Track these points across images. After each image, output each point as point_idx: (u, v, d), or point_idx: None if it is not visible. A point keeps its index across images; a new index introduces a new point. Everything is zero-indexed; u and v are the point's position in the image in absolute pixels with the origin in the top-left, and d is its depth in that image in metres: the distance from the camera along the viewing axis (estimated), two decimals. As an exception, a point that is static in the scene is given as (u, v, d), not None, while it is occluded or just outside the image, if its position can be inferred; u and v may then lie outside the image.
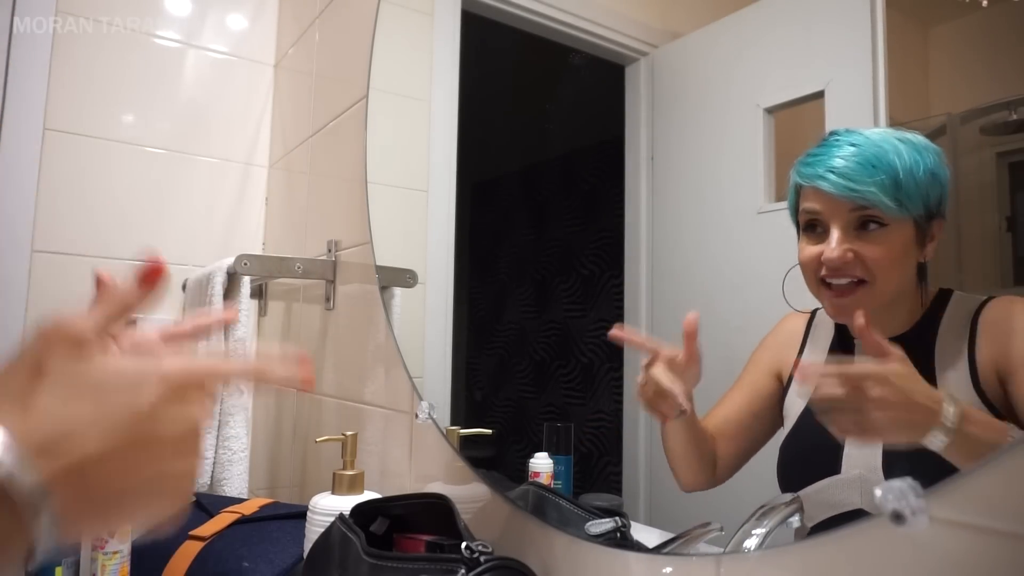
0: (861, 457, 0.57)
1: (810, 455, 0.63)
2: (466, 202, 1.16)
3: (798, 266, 0.62)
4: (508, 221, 1.15)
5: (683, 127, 0.81)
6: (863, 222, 0.56)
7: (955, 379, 0.53)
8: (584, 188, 0.99)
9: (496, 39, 1.12)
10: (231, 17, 1.79)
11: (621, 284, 0.85)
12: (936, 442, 0.48)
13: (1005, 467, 0.44)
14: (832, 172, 0.56)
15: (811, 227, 0.59)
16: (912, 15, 0.59)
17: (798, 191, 0.61)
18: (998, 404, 0.51)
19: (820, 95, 0.64)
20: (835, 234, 0.56)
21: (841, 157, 0.56)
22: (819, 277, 0.58)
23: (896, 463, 0.51)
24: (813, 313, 0.67)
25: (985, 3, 0.53)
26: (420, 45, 1.25)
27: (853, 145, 0.56)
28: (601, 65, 0.91)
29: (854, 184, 0.55)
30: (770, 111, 0.70)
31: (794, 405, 0.65)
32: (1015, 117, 0.50)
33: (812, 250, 0.59)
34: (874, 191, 0.55)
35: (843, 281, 0.57)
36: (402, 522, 0.83)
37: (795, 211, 0.62)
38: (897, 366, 0.52)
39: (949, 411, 0.49)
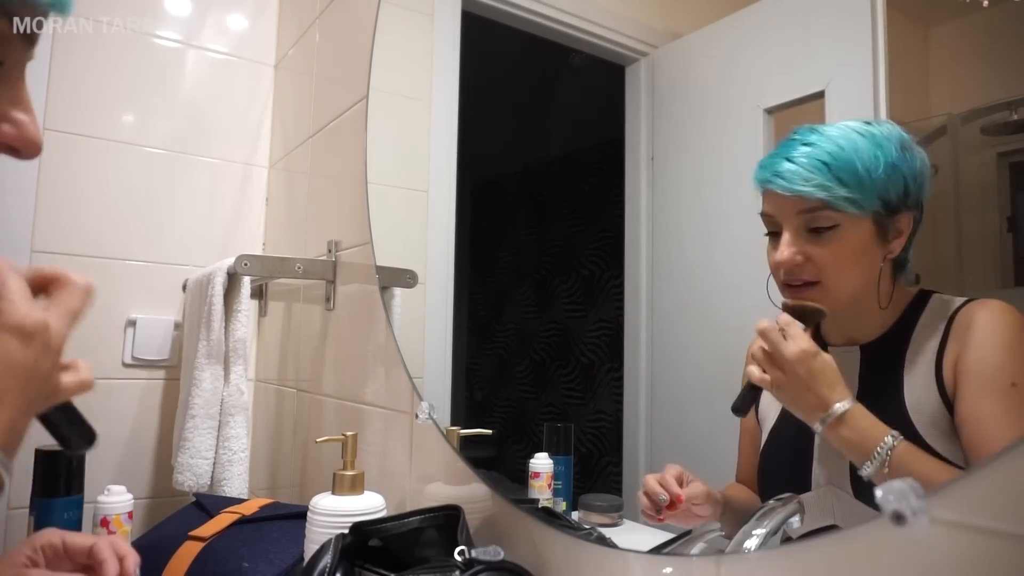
0: (830, 474, 0.57)
1: (781, 471, 0.63)
2: (466, 202, 1.15)
3: None
4: (508, 221, 1.15)
5: (683, 127, 0.81)
6: (813, 223, 0.56)
7: (921, 385, 0.52)
8: (584, 188, 0.99)
9: (496, 39, 1.12)
10: (231, 17, 1.79)
11: (621, 284, 0.85)
12: (865, 471, 0.50)
13: (1005, 468, 0.44)
14: (780, 175, 0.56)
15: (768, 230, 0.60)
16: (912, 15, 0.59)
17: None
18: None
19: (820, 95, 0.64)
20: (786, 236, 0.57)
21: (791, 158, 0.56)
22: (779, 280, 0.59)
23: (864, 480, 0.51)
24: None
25: (986, 3, 0.53)
26: (420, 45, 1.25)
27: (807, 145, 0.56)
28: (601, 65, 0.91)
29: (801, 185, 0.55)
30: (770, 111, 0.70)
31: (768, 415, 0.65)
32: (1016, 117, 0.50)
33: (773, 255, 0.59)
34: (822, 191, 0.54)
35: (797, 283, 0.58)
36: (402, 538, 0.82)
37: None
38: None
39: (884, 447, 0.50)
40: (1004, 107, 0.51)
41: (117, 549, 0.68)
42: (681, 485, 0.66)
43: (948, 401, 0.51)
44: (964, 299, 0.52)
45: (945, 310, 0.53)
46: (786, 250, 0.56)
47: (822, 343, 0.62)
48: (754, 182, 0.60)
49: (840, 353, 0.59)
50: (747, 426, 0.68)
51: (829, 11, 0.65)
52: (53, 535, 0.68)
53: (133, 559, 0.69)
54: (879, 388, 0.56)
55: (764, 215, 0.60)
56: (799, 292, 0.58)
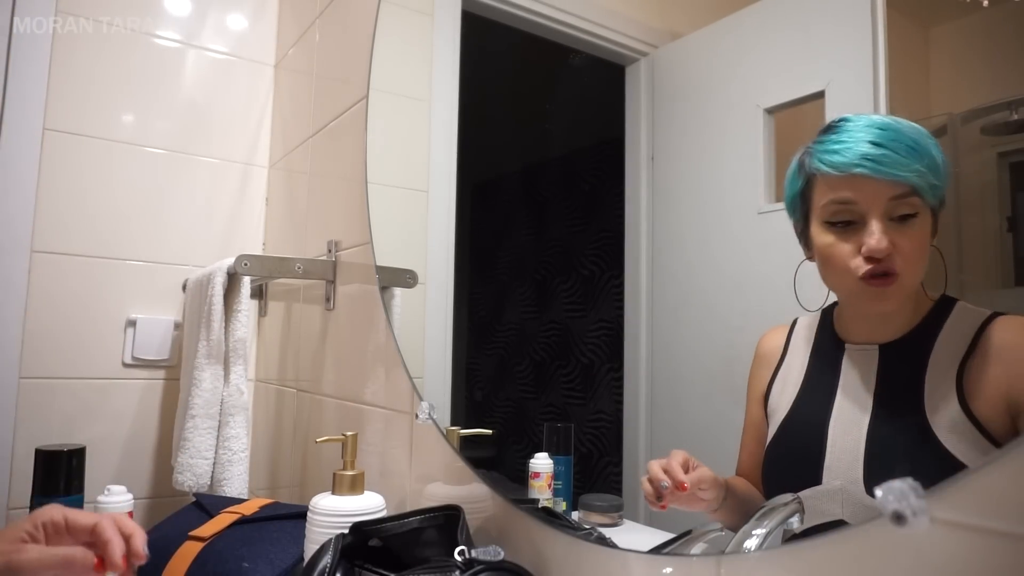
0: (842, 469, 0.57)
1: (791, 464, 0.63)
2: (466, 202, 1.15)
3: (804, 262, 0.60)
4: (508, 221, 1.15)
5: (683, 127, 0.81)
6: (899, 210, 0.53)
7: (941, 391, 0.51)
8: (584, 188, 0.98)
9: (496, 39, 1.12)
10: (231, 17, 1.79)
11: (621, 284, 0.85)
12: None
13: (1005, 468, 0.44)
14: (870, 158, 0.54)
15: (838, 219, 0.56)
16: (912, 15, 0.59)
17: (810, 182, 0.58)
18: (991, 427, 0.48)
19: (820, 95, 0.64)
20: (876, 224, 0.53)
21: (876, 143, 0.54)
22: (858, 273, 0.55)
23: (877, 476, 0.49)
24: (794, 322, 0.66)
25: (986, 3, 0.53)
26: (420, 45, 1.25)
27: (883, 129, 0.54)
28: (601, 65, 0.91)
29: (900, 169, 0.53)
30: (770, 111, 0.70)
31: (776, 411, 0.65)
32: (1016, 117, 0.50)
33: (844, 247, 0.56)
34: (919, 177, 0.52)
35: (880, 274, 0.54)
36: (402, 538, 0.82)
37: (797, 203, 0.60)
38: None
39: None
40: (1004, 107, 0.51)
41: (123, 528, 0.65)
42: (687, 471, 0.65)
43: (968, 408, 0.50)
44: (990, 312, 0.51)
45: (973, 320, 0.52)
46: (884, 238, 0.53)
47: (838, 340, 0.61)
48: (824, 167, 0.57)
49: (857, 351, 0.59)
50: (753, 419, 0.67)
51: (829, 11, 0.65)
52: (55, 511, 0.65)
53: (140, 538, 0.66)
54: (898, 390, 0.55)
55: (840, 202, 0.56)
56: (885, 282, 0.54)
